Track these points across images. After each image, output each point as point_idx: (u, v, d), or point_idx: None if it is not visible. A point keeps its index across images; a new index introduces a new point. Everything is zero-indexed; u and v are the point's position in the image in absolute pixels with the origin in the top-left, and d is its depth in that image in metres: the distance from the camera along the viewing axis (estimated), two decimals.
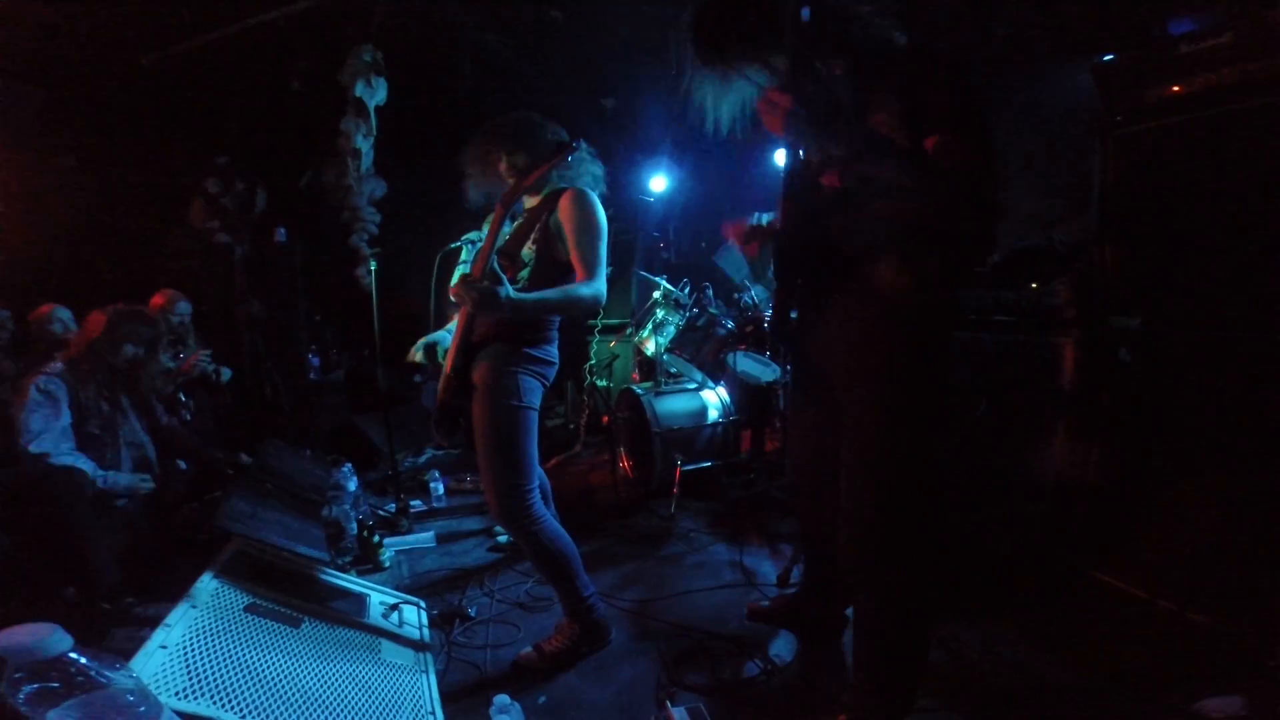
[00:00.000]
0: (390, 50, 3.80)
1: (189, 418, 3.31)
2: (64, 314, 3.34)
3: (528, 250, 1.98)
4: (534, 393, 2.00)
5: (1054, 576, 2.29)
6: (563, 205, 1.93)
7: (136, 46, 3.70)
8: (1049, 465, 2.29)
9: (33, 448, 2.44)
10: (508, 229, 2.04)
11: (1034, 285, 2.29)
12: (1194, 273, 2.01)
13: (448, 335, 2.20)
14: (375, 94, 3.71)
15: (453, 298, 1.79)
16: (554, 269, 1.96)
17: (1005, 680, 1.89)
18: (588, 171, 2.05)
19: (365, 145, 3.87)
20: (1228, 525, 1.94)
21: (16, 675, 0.71)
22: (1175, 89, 2.00)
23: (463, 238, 2.24)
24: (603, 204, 2.01)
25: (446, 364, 2.04)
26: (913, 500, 1.53)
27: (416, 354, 2.22)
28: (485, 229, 2.10)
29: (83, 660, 0.80)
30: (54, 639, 0.78)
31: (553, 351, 2.07)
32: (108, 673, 0.82)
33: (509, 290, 1.71)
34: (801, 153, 1.58)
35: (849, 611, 2.00)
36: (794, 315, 1.75)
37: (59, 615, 2.13)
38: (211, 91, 4.11)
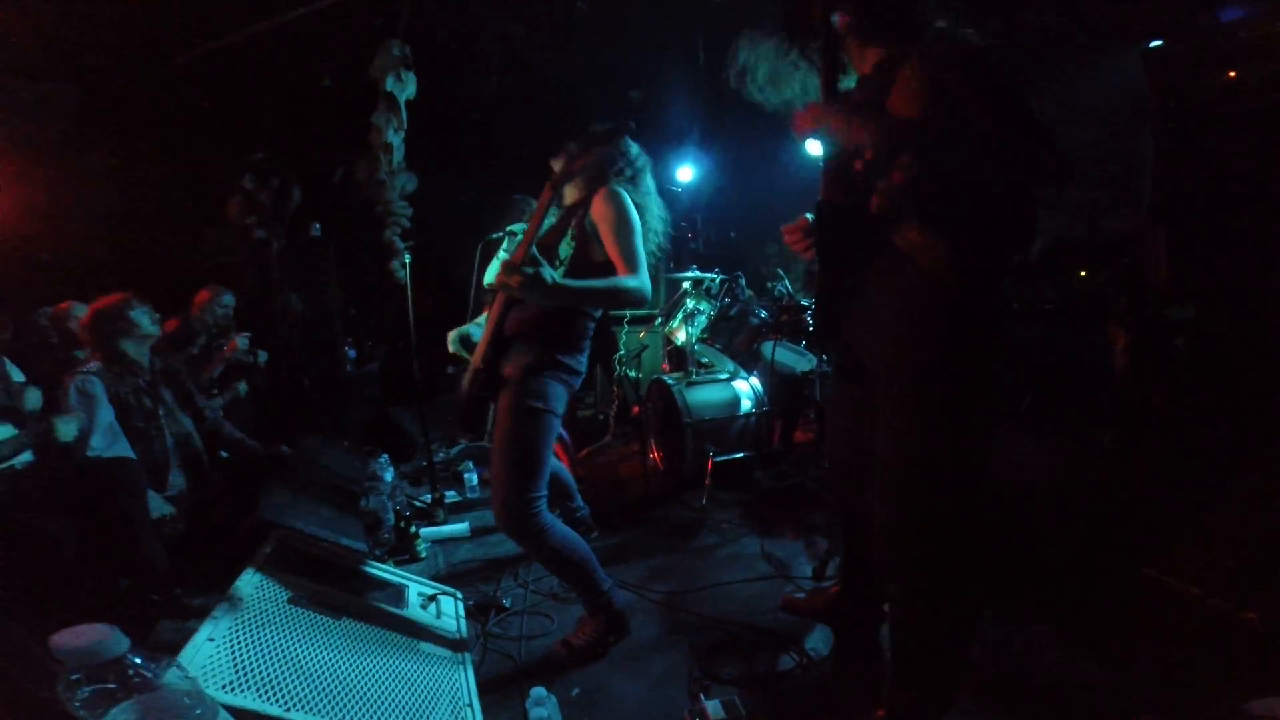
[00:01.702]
0: (418, 44, 3.81)
1: (223, 403, 3.38)
2: (82, 312, 3.42)
3: (566, 245, 1.96)
4: (560, 399, 1.99)
5: (1102, 573, 2.21)
6: (595, 204, 1.92)
7: (170, 47, 3.76)
8: (1098, 458, 2.21)
9: (88, 451, 2.51)
10: (551, 220, 2.02)
11: (1082, 274, 2.21)
12: (1251, 263, 1.92)
13: (478, 329, 2.20)
14: (405, 88, 3.73)
15: (495, 285, 1.79)
16: (589, 267, 1.93)
17: (1048, 679, 1.85)
18: (633, 166, 2.03)
19: (396, 140, 3.88)
20: None
21: (74, 677, 0.73)
22: (1230, 75, 1.91)
23: (505, 229, 2.24)
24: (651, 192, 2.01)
25: (476, 357, 2.04)
26: (951, 496, 1.49)
27: (452, 345, 2.24)
28: (526, 222, 2.09)
29: (138, 661, 0.82)
30: (112, 641, 0.80)
31: (583, 362, 2.06)
32: (163, 673, 0.84)
33: (551, 273, 1.70)
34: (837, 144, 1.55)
35: (887, 605, 1.97)
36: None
37: (112, 605, 2.25)
38: (245, 89, 4.17)
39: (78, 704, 0.71)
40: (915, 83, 1.39)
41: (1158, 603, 2.10)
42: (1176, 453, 2.14)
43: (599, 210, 1.91)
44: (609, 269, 1.90)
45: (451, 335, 2.24)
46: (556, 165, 1.97)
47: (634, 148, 2.03)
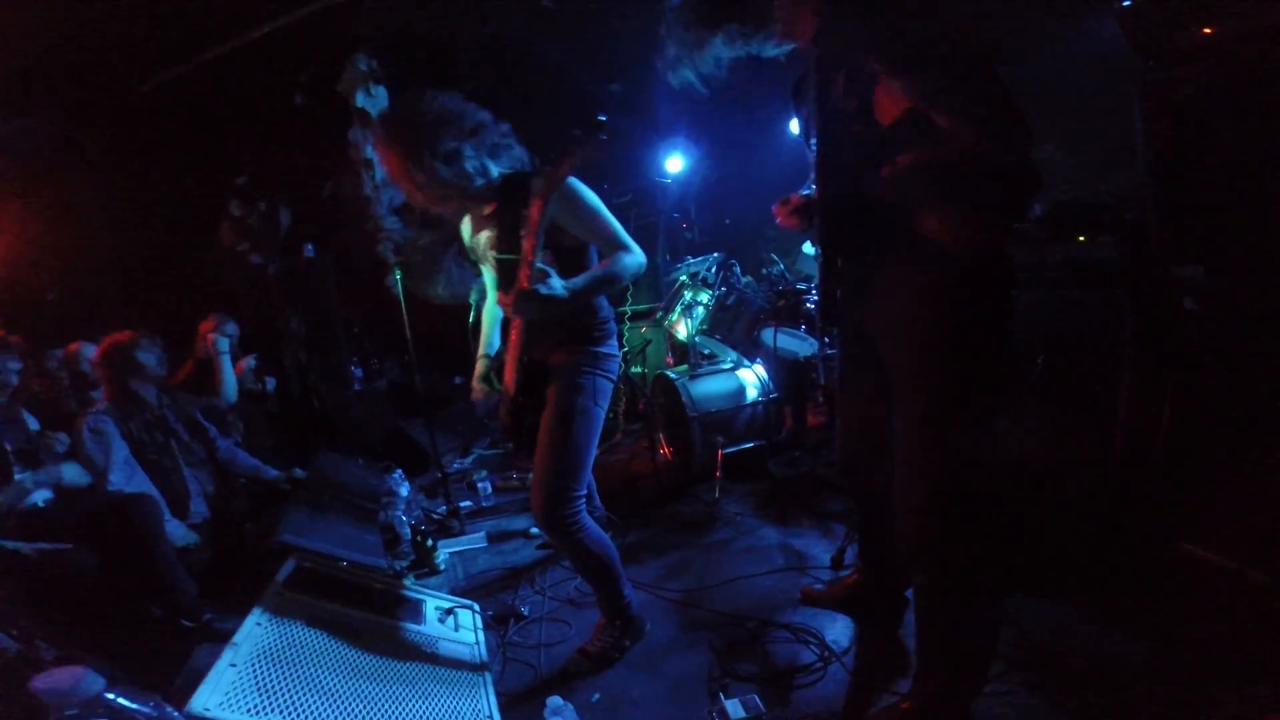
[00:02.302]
0: (386, 55, 3.78)
1: (239, 440, 3.43)
2: (90, 352, 3.46)
3: (538, 250, 1.92)
4: (606, 395, 2.00)
5: (1132, 548, 2.12)
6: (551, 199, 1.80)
7: (141, 73, 3.76)
8: (1118, 428, 2.14)
9: (109, 487, 2.56)
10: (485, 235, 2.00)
11: (1081, 239, 2.15)
12: (1252, 217, 1.86)
13: (486, 361, 2.19)
14: (377, 102, 3.70)
15: (509, 312, 1.77)
16: (570, 256, 1.92)
17: (1081, 661, 1.79)
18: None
19: (375, 155, 3.87)
20: None
21: (69, 713, 0.75)
22: (1206, 31, 1.85)
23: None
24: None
25: (507, 383, 2.03)
26: (971, 475, 1.46)
27: (480, 382, 2.20)
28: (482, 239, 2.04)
29: (121, 700, 0.84)
30: (86, 682, 0.83)
31: (615, 346, 2.06)
32: (145, 708, 0.86)
33: (562, 282, 1.71)
34: (829, 106, 1.50)
35: (909, 592, 1.94)
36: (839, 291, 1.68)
37: (147, 635, 2.30)
38: (220, 112, 4.16)
39: None
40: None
41: (1192, 577, 2.00)
42: (1201, 417, 2.06)
43: (561, 203, 1.81)
44: (584, 251, 1.91)
45: (478, 375, 2.20)
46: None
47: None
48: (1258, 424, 1.93)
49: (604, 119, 1.74)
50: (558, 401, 1.95)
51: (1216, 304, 1.98)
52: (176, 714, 1.03)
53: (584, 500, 1.98)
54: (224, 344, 3.58)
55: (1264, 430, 1.91)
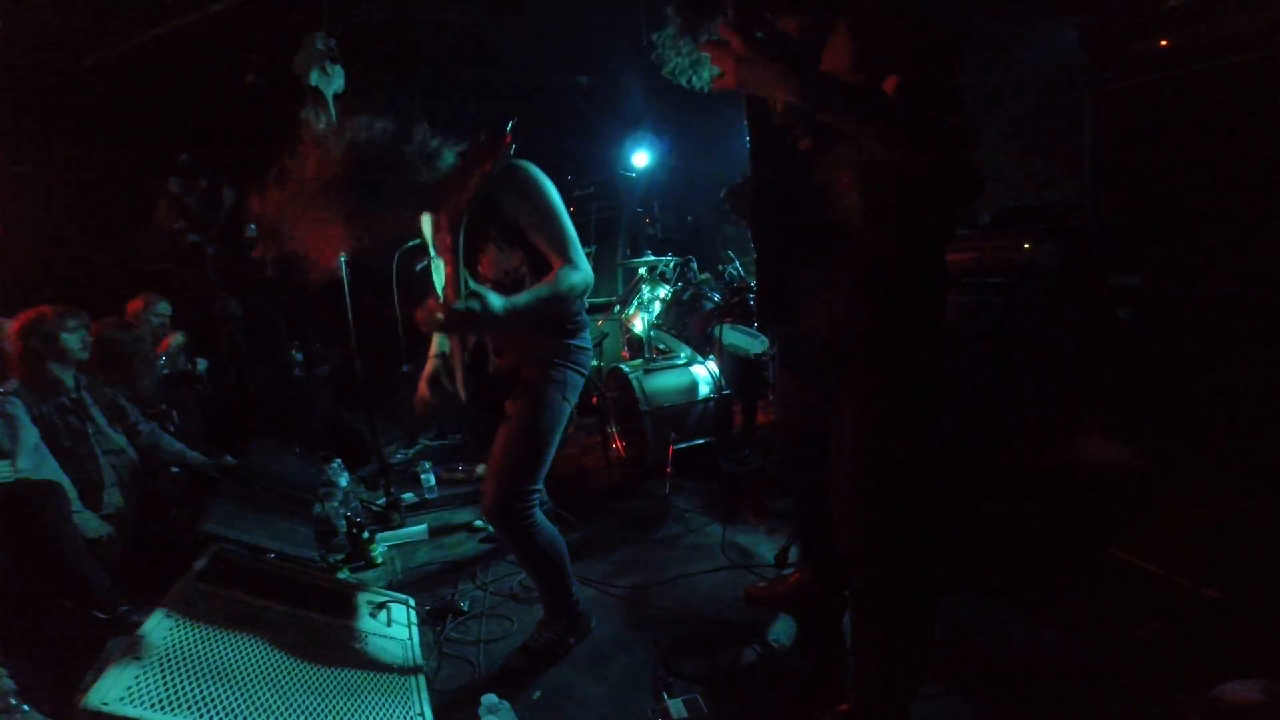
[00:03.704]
0: (346, 37, 3.62)
1: (173, 428, 3.23)
2: (8, 326, 3.21)
3: (504, 254, 1.81)
4: (576, 389, 1.93)
5: (1064, 553, 2.20)
6: (506, 192, 1.72)
7: (82, 47, 3.53)
8: (1055, 435, 2.20)
9: (14, 474, 2.36)
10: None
11: (1026, 245, 2.20)
12: (1191, 228, 1.93)
13: (441, 364, 2.04)
14: (332, 82, 3.53)
15: (443, 330, 1.64)
16: (543, 259, 1.78)
17: (1015, 662, 1.84)
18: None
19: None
20: (1243, 496, 1.86)
21: None
22: (1163, 43, 1.92)
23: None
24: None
25: (459, 388, 1.86)
26: (909, 479, 1.46)
27: (429, 389, 2.07)
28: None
29: (25, 708, 0.74)
30: None
31: (588, 339, 1.98)
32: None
33: (499, 300, 1.56)
34: (760, 115, 1.48)
35: (848, 593, 1.95)
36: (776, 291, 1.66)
37: (58, 627, 2.14)
38: (165, 89, 3.95)
39: None
40: (846, 51, 1.33)
41: (1121, 582, 2.09)
42: (1133, 427, 2.14)
43: (512, 192, 1.73)
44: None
45: (425, 383, 2.06)
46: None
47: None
48: (1187, 433, 2.02)
49: (510, 124, 1.64)
50: (526, 392, 1.87)
51: (1151, 313, 2.05)
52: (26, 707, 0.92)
53: (538, 496, 1.91)
54: (179, 339, 3.42)
55: (1192, 440, 1.99)
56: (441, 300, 1.58)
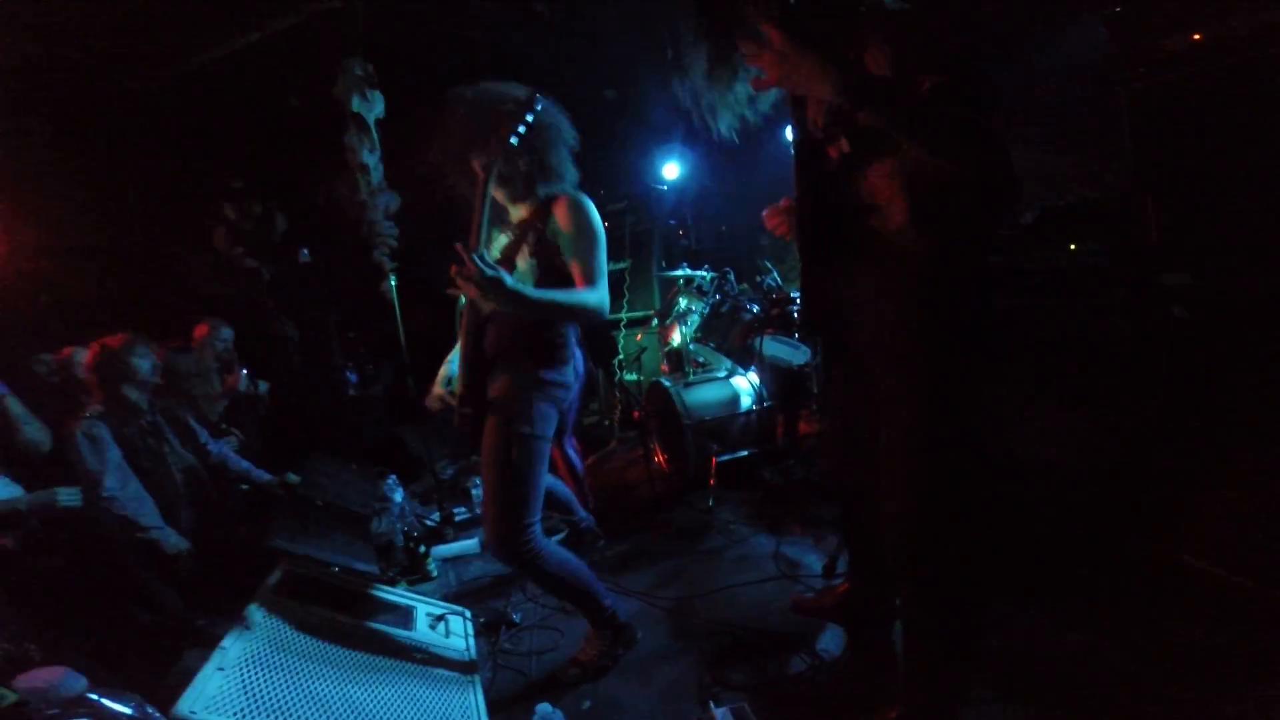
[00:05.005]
0: (381, 59, 3.77)
1: (237, 446, 3.42)
2: (83, 357, 3.42)
3: (525, 262, 1.90)
4: (549, 421, 1.94)
5: (1120, 555, 2.14)
6: (559, 214, 1.86)
7: (133, 74, 3.73)
8: (1108, 436, 2.15)
9: (103, 493, 2.54)
10: (505, 238, 1.98)
11: (1072, 246, 2.16)
12: (1240, 223, 1.87)
13: (453, 370, 2.14)
14: (373, 107, 3.69)
15: (453, 291, 1.71)
16: (556, 278, 1.87)
17: (1069, 667, 1.79)
18: (565, 145, 1.92)
19: (372, 160, 3.85)
20: None
21: (50, 713, 0.75)
22: (1195, 37, 1.88)
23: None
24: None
25: (459, 386, 1.98)
26: (957, 484, 1.46)
27: (442, 385, 2.17)
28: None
29: (103, 701, 0.84)
30: (67, 680, 0.83)
31: (569, 372, 2.00)
32: (127, 709, 0.87)
33: (510, 278, 1.63)
34: (805, 124, 1.52)
35: (898, 601, 1.94)
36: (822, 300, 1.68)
37: (135, 639, 2.29)
38: (214, 115, 4.12)
39: None
40: (882, 62, 1.35)
41: (1181, 584, 2.01)
42: (1190, 425, 2.08)
43: (563, 217, 1.85)
44: (568, 281, 1.85)
45: (439, 382, 2.17)
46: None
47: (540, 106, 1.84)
48: (1245, 431, 1.95)
49: (535, 95, 1.77)
50: (498, 429, 1.89)
51: (1204, 312, 1.99)
52: (159, 715, 1.03)
53: (538, 526, 1.93)
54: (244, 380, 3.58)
55: (1251, 437, 1.92)
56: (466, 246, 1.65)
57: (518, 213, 2.00)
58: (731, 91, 1.56)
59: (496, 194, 1.92)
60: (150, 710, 1.03)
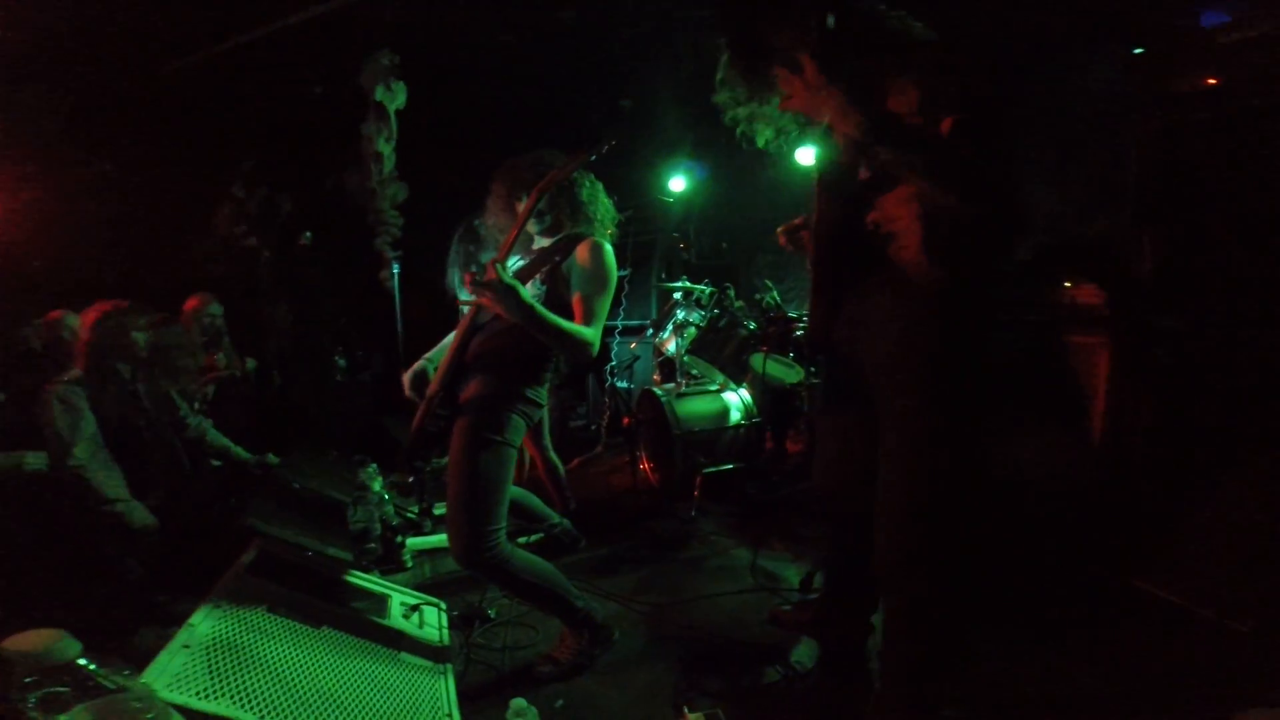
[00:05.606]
0: (406, 53, 3.81)
1: (202, 421, 3.35)
2: (74, 321, 3.32)
3: (534, 285, 1.95)
4: (518, 433, 1.95)
5: (1089, 583, 2.21)
6: (580, 252, 1.93)
7: (160, 54, 3.75)
8: (1085, 468, 2.21)
9: (70, 461, 2.48)
10: (521, 262, 2.04)
11: (1067, 284, 2.21)
12: (1237, 270, 1.93)
13: (432, 366, 2.17)
14: (395, 98, 3.74)
15: (467, 288, 1.76)
16: (557, 308, 1.89)
17: (1036, 689, 1.83)
18: (605, 211, 2.05)
19: (387, 149, 3.88)
20: (1270, 531, 1.86)
21: (28, 680, 0.72)
22: (1211, 81, 1.94)
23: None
24: (623, 204, 2.01)
25: (434, 383, 1.98)
26: (955, 501, 1.49)
27: (410, 388, 2.17)
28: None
29: (92, 667, 0.81)
30: (62, 644, 0.79)
31: (543, 394, 2.05)
32: (117, 679, 0.83)
33: (526, 291, 1.71)
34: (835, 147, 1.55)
35: (874, 619, 1.95)
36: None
37: (89, 611, 2.23)
38: (234, 97, 4.16)
39: (30, 707, 0.70)
40: (908, 99, 1.39)
41: (1146, 613, 2.09)
42: (1163, 463, 2.14)
43: (583, 256, 1.92)
44: (569, 318, 1.89)
45: (408, 378, 2.17)
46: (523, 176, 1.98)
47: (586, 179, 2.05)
48: (1212, 475, 2.01)
49: (605, 144, 1.84)
50: (466, 432, 1.88)
51: (1190, 357, 2.05)
52: (145, 684, 0.99)
53: (503, 533, 1.92)
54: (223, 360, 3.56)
55: (1217, 481, 1.98)
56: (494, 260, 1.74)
57: (541, 242, 2.07)
58: (770, 104, 1.60)
59: (529, 224, 2.01)
60: (142, 682, 0.99)
